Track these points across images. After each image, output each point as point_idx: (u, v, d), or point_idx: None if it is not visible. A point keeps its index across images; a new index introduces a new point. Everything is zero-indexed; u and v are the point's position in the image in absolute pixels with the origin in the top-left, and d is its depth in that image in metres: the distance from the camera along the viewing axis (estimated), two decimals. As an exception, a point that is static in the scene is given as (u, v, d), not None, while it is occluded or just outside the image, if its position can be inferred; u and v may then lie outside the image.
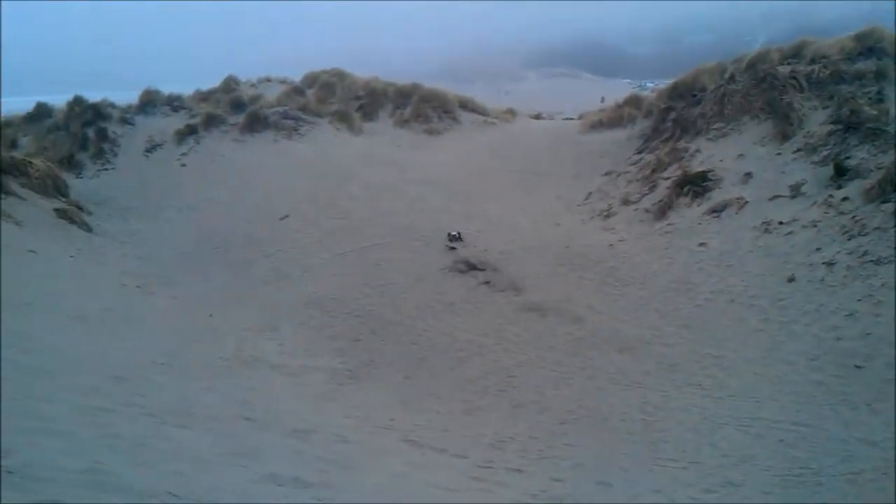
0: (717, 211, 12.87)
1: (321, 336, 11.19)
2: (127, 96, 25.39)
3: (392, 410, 8.82)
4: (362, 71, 27.87)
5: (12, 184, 16.09)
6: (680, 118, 16.64)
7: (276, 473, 4.99)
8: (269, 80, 28.50)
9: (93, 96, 24.12)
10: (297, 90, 25.72)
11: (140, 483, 3.79)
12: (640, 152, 17.00)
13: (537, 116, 29.52)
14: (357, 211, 15.93)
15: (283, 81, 28.01)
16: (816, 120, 13.76)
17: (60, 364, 6.77)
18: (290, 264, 13.91)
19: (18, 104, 26.72)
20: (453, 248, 13.57)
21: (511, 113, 26.62)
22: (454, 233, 13.94)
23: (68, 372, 6.55)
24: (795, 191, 12.31)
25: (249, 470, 5.01)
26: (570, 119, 27.14)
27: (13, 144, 22.22)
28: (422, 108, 24.19)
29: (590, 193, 16.00)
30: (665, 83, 20.30)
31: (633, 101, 20.02)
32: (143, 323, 10.55)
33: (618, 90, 32.76)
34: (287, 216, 16.20)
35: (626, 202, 14.90)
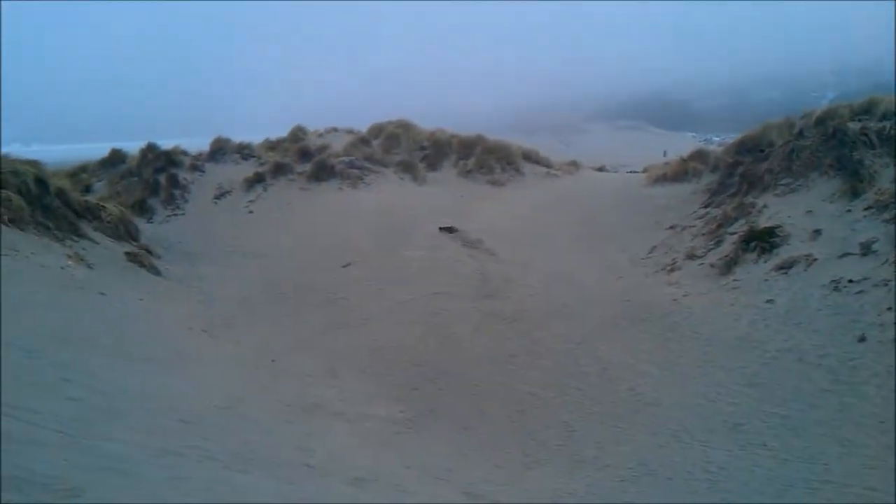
0: (784, 268, 12.64)
1: (381, 384, 11.22)
2: (198, 143, 26.18)
3: (451, 461, 8.77)
4: (427, 123, 28.33)
5: (86, 227, 16.62)
6: (747, 173, 16.47)
7: (335, 521, 5.01)
8: (335, 130, 29.13)
9: (165, 143, 24.93)
10: (363, 140, 26.21)
11: (204, 526, 3.85)
12: (705, 206, 16.84)
13: (601, 169, 29.58)
14: (419, 260, 16.03)
15: (349, 132, 28.60)
16: (888, 177, 13.48)
17: (129, 405, 6.91)
18: (352, 312, 14.02)
19: (94, 150, 27.65)
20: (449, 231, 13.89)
21: (574, 165, 26.73)
22: (446, 225, 14.22)
23: (137, 413, 6.68)
24: (866, 249, 12.03)
25: (310, 517, 5.04)
26: (635, 172, 27.08)
27: (87, 189, 23.00)
28: (485, 159, 24.44)
29: (654, 247, 15.87)
30: (732, 137, 20.20)
31: (699, 156, 19.90)
32: (208, 366, 10.71)
33: (683, 144, 32.61)
34: (349, 264, 16.39)
35: (690, 257, 14.73)
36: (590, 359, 11.42)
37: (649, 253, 15.72)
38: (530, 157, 25.93)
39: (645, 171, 23.36)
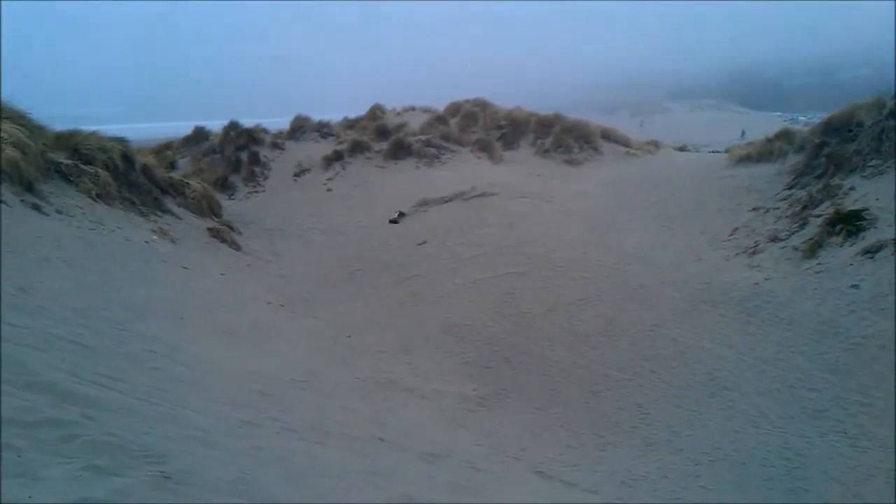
0: (870, 252, 12.24)
1: (454, 362, 11.31)
2: (279, 122, 26.59)
3: (523, 440, 8.83)
4: (505, 101, 28.18)
5: (170, 203, 17.08)
6: (834, 154, 15.96)
7: (410, 495, 5.10)
8: (413, 108, 29.22)
9: (247, 122, 25.39)
10: (441, 119, 26.22)
11: (284, 496, 3.97)
12: (790, 188, 16.39)
13: (682, 148, 29.07)
14: (493, 239, 16.03)
15: (426, 110, 28.65)
16: (983, 159, 12.95)
17: (210, 376, 7.12)
18: (426, 289, 14.13)
19: (179, 128, 28.30)
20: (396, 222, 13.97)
21: (654, 144, 26.30)
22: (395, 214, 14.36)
23: (217, 384, 6.88)
24: (957, 233, 11.59)
25: (385, 490, 5.14)
26: (717, 152, 26.52)
27: (172, 165, 23.60)
28: (563, 138, 24.23)
29: (735, 229, 15.53)
30: (818, 117, 19.57)
31: (784, 135, 19.34)
32: (286, 341, 10.94)
33: (768, 123, 31.71)
34: (425, 242, 16.49)
35: (773, 239, 14.38)
36: (666, 341, 11.31)
37: (730, 235, 15.39)
38: (609, 136, 25.62)
39: (727, 151, 22.82)
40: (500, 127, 26.02)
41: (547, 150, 24.11)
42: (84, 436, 3.75)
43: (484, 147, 23.92)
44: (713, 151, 29.02)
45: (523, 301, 12.95)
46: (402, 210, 14.11)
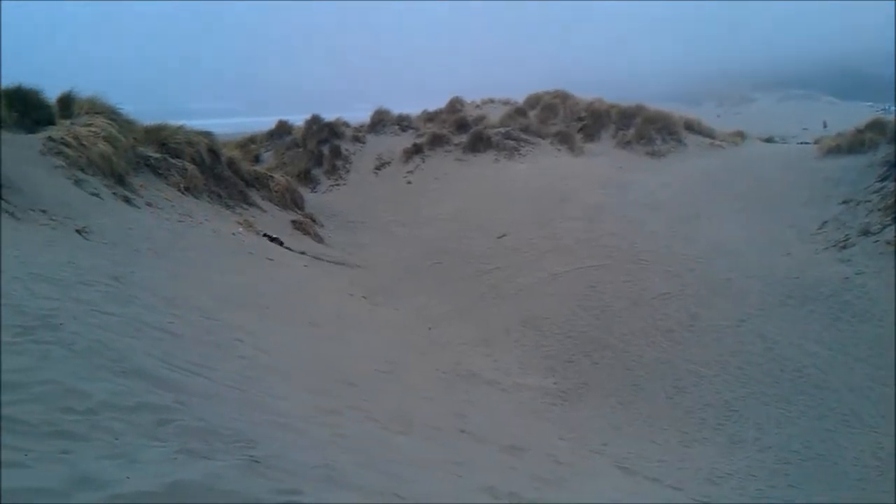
0: (968, 246, 11.74)
1: (535, 355, 11.26)
2: (360, 116, 26.84)
3: (605, 435, 8.73)
4: (586, 92, 27.89)
5: (255, 195, 17.43)
6: (929, 145, 15.34)
7: (492, 486, 5.09)
8: (492, 101, 29.16)
9: (329, 116, 25.69)
10: (520, 111, 26.10)
11: (368, 483, 3.99)
12: (882, 180, 15.79)
13: (769, 140, 28.32)
14: (574, 232, 15.89)
15: (505, 103, 28.57)
16: None
17: (295, 365, 7.23)
18: (506, 282, 14.09)
19: (263, 123, 28.78)
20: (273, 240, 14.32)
21: (740, 136, 25.69)
22: (272, 235, 14.56)
23: (302, 373, 6.98)
24: None
25: (467, 480, 5.14)
26: (805, 143, 25.76)
27: (257, 159, 24.04)
28: (645, 129, 23.86)
29: (825, 222, 15.04)
30: (914, 107, 18.82)
31: (876, 126, 18.63)
32: (367, 331, 11.05)
33: (859, 114, 30.64)
34: (505, 235, 16.45)
35: (865, 233, 13.88)
36: (753, 337, 11.03)
37: (819, 228, 14.92)
38: (693, 127, 25.10)
39: (816, 142, 22.13)
40: (580, 119, 25.77)
41: (629, 142, 23.79)
42: (177, 420, 3.84)
43: (564, 139, 23.71)
44: (801, 143, 28.22)
45: (605, 295, 12.80)
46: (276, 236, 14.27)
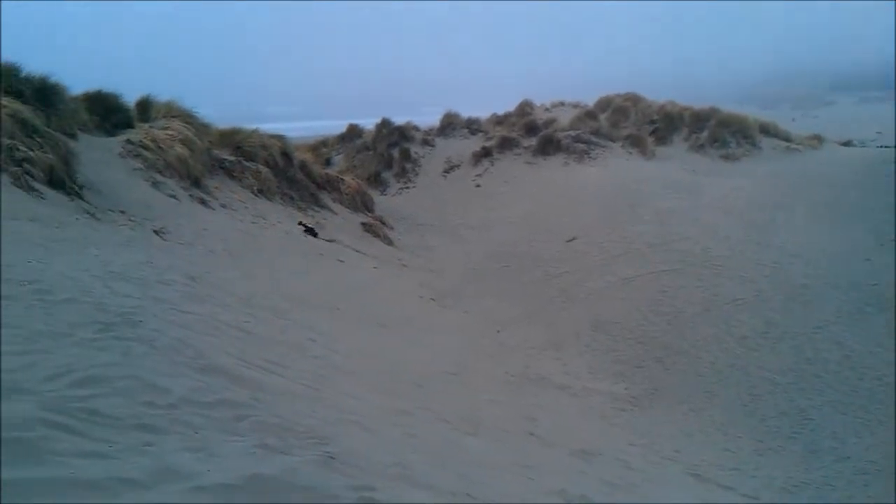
0: None
1: (605, 360, 11.15)
2: (429, 120, 26.99)
3: (677, 442, 8.60)
4: (658, 95, 27.57)
5: (326, 198, 17.65)
6: None
7: (564, 490, 5.05)
8: (562, 104, 29.03)
9: (398, 119, 25.89)
10: (590, 114, 25.94)
11: (440, 482, 4.01)
12: (968, 184, 15.25)
13: (847, 143, 27.55)
14: (645, 236, 15.70)
15: (576, 105, 28.40)
16: None
17: (366, 365, 7.29)
18: (576, 286, 13.98)
19: (334, 126, 29.13)
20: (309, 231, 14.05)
21: (817, 139, 25.07)
22: (307, 225, 14.20)
23: (372, 373, 7.04)
24: None
25: (537, 483, 5.11)
26: (886, 147, 24.98)
27: (328, 162, 24.34)
28: (719, 132, 23.47)
29: (905, 228, 14.57)
30: None
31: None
32: (437, 333, 11.07)
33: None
34: (574, 238, 16.33)
35: (949, 239, 13.41)
36: (830, 345, 10.75)
37: (900, 234, 14.46)
38: (768, 131, 24.60)
39: (897, 145, 21.48)
40: (652, 121, 25.48)
41: (702, 145, 23.43)
42: (254, 416, 3.91)
43: (635, 142, 23.47)
44: (882, 146, 27.37)
45: (677, 300, 12.62)
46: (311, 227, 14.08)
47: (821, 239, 14.72)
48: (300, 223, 13.69)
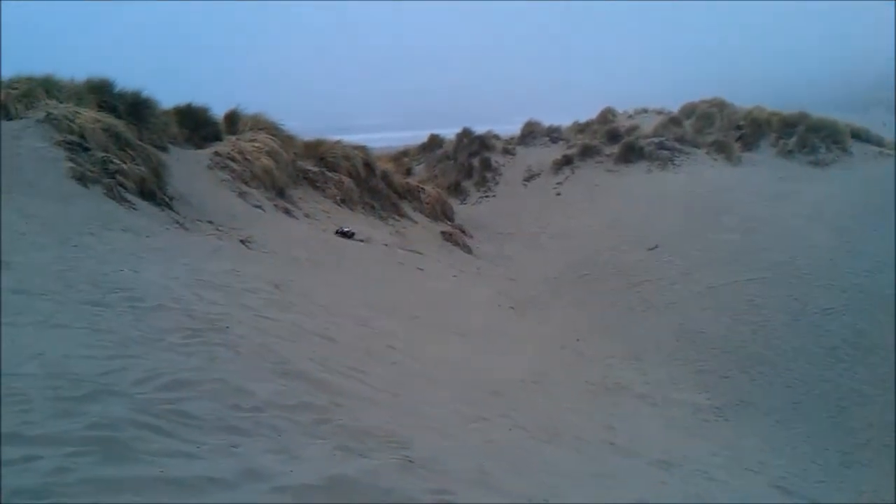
0: None
1: (687, 370, 10.96)
2: (510, 129, 26.97)
3: (761, 454, 8.41)
4: (745, 100, 26.97)
5: (406, 207, 17.82)
6: None
7: (643, 499, 5.01)
8: (645, 110, 28.67)
9: (479, 128, 25.96)
10: (674, 120, 25.50)
11: (518, 488, 4.03)
12: None
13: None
14: (731, 243, 15.38)
15: (659, 112, 28.01)
16: None
17: (444, 373, 7.35)
18: (658, 295, 13.78)
19: (416, 136, 29.37)
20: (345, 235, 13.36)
21: (912, 143, 24.13)
22: (345, 229, 13.50)
23: (451, 381, 7.09)
24: None
25: (615, 492, 5.08)
26: None
27: (409, 171, 24.56)
28: (808, 137, 22.79)
29: None
30: None
31: None
32: (515, 342, 11.07)
33: None
34: (657, 246, 16.11)
35: None
36: (923, 356, 10.36)
37: None
38: (860, 136, 23.79)
39: None
40: (738, 127, 24.91)
41: (790, 151, 22.79)
42: (335, 420, 4.01)
43: (721, 148, 22.98)
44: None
45: (764, 309, 12.33)
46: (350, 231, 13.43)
47: (916, 247, 14.20)
48: (338, 231, 13.45)
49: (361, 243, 13.24)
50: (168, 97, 14.26)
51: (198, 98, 15.20)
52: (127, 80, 12.91)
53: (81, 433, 3.05)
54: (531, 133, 26.33)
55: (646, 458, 6.92)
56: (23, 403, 3.26)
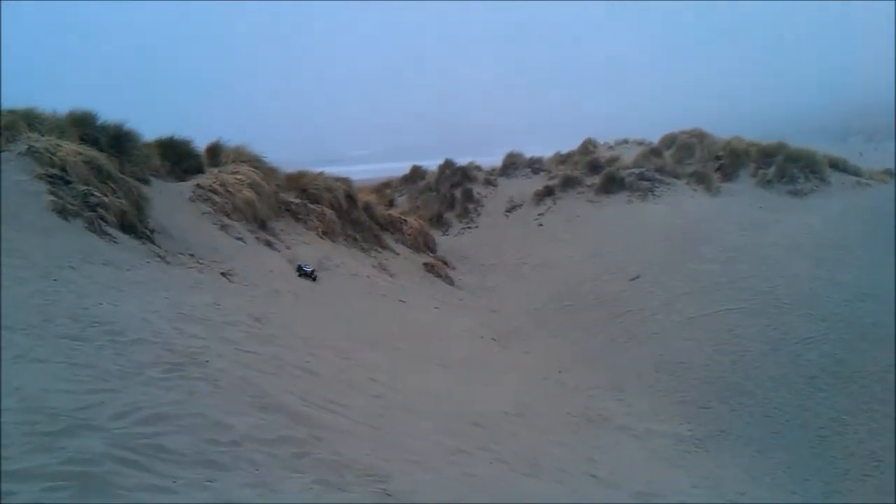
0: None
1: (669, 401, 11.00)
2: (492, 160, 27.19)
3: (742, 484, 8.43)
4: (723, 131, 27.29)
5: (388, 239, 17.87)
6: None
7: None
8: (626, 141, 28.98)
9: (461, 160, 26.16)
10: (655, 151, 25.75)
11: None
12: None
13: (919, 178, 26.85)
14: (711, 273, 15.49)
15: (640, 143, 28.31)
16: None
17: (426, 405, 7.36)
18: (639, 326, 13.84)
19: (398, 168, 29.58)
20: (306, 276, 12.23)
21: (889, 174, 24.48)
22: (307, 269, 12.45)
23: (433, 413, 7.10)
24: None
25: (595, 525, 5.09)
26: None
27: (391, 203, 24.67)
28: (787, 167, 23.04)
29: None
30: None
31: None
32: (497, 374, 11.08)
33: None
34: (638, 277, 16.20)
35: None
36: (903, 385, 10.43)
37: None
38: (837, 165, 24.09)
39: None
40: (718, 158, 25.16)
41: (769, 181, 23.01)
42: (314, 454, 4.02)
43: (700, 179, 23.20)
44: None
45: (744, 339, 12.39)
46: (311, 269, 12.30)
47: (892, 276, 14.33)
48: (298, 267, 12.26)
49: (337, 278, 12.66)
50: (151, 129, 14.31)
51: (185, 130, 15.27)
52: (109, 111, 12.94)
53: (58, 468, 3.05)
54: (513, 164, 26.52)
55: (627, 490, 6.94)
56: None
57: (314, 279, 12.07)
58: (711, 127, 27.82)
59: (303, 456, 3.95)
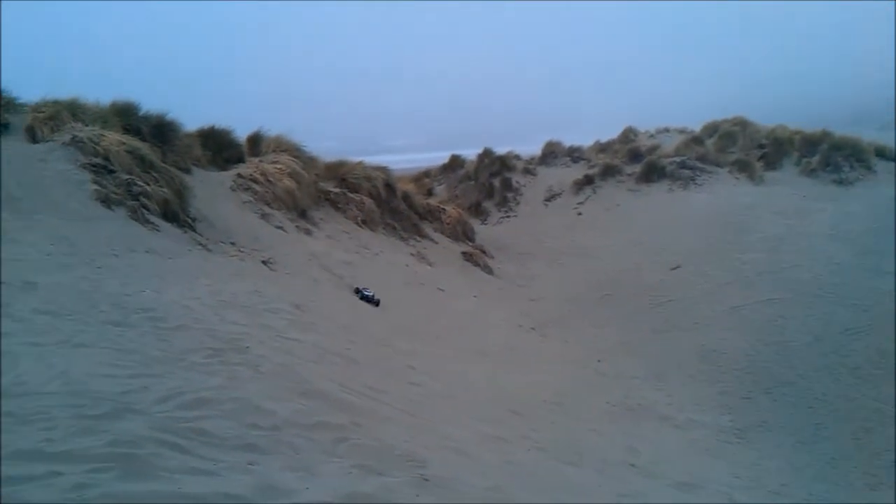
0: None
1: (710, 391, 10.88)
2: (531, 149, 27.03)
3: (784, 475, 8.31)
4: (767, 119, 26.84)
5: (427, 228, 17.87)
6: None
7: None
8: (667, 130, 28.63)
9: (501, 149, 26.04)
10: (696, 140, 25.45)
11: (535, 508, 4.03)
12: None
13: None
14: (753, 263, 15.29)
15: (681, 131, 27.97)
16: None
17: (465, 393, 7.36)
18: (681, 315, 13.71)
19: (437, 157, 29.51)
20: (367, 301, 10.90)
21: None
22: (368, 293, 11.12)
23: (471, 401, 7.09)
24: None
25: (636, 514, 5.06)
26: None
27: (430, 192, 24.65)
28: (831, 156, 22.63)
29: None
30: None
31: None
32: (537, 362, 11.04)
33: None
34: (679, 266, 16.05)
35: None
36: (949, 376, 10.22)
37: None
38: (884, 154, 23.59)
39: None
40: (761, 146, 24.81)
41: (813, 170, 22.64)
42: (353, 439, 4.03)
43: (743, 167, 22.88)
44: None
45: (787, 329, 12.23)
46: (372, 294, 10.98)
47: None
48: (356, 290, 10.92)
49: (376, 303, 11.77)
50: (193, 119, 14.45)
51: (229, 120, 15.42)
52: (151, 102, 13.10)
53: (102, 450, 3.10)
54: (552, 153, 26.39)
55: (668, 481, 6.87)
56: (46, 421, 3.33)
57: (377, 304, 11.01)
58: (754, 115, 27.37)
59: (342, 441, 3.97)
